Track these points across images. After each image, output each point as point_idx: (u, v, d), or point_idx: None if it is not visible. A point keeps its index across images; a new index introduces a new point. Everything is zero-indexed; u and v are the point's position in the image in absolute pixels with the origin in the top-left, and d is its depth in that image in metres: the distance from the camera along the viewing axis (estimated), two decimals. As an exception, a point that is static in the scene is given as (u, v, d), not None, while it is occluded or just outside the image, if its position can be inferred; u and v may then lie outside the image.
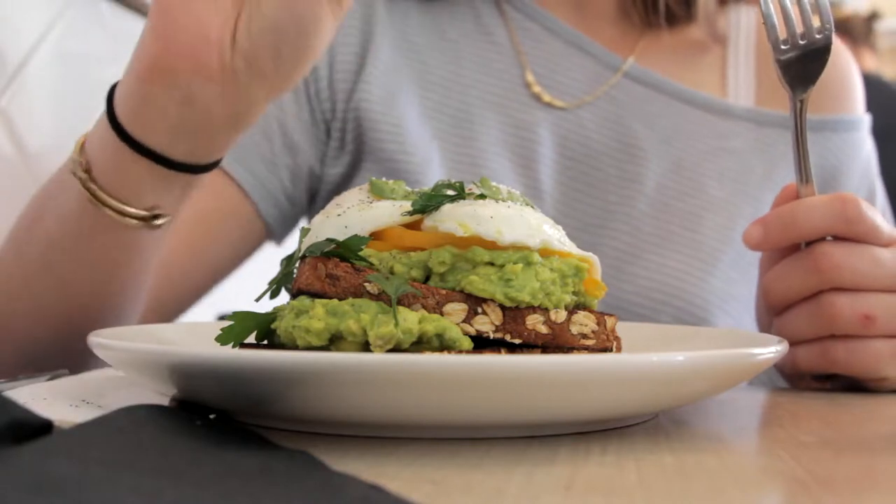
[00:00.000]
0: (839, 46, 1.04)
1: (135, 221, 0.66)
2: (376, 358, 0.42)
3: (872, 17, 3.57)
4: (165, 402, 0.50)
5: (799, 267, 0.68)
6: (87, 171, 0.66)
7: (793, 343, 0.68)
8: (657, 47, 1.01)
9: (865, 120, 1.03)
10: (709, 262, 0.91)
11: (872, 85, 3.52)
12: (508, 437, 0.47)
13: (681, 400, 0.51)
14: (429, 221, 0.54)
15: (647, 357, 0.45)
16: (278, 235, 0.98)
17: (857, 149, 1.01)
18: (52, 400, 0.53)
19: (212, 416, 0.47)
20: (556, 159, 0.94)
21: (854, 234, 0.67)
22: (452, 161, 0.93)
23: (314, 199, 0.99)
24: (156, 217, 0.67)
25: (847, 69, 1.03)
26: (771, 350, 0.51)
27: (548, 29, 1.00)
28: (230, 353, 0.44)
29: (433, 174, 0.91)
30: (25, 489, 0.30)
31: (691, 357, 0.46)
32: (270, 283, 0.58)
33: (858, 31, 3.46)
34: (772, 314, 0.72)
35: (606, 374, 0.44)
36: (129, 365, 0.51)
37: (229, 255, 0.95)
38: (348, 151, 0.95)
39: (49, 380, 0.61)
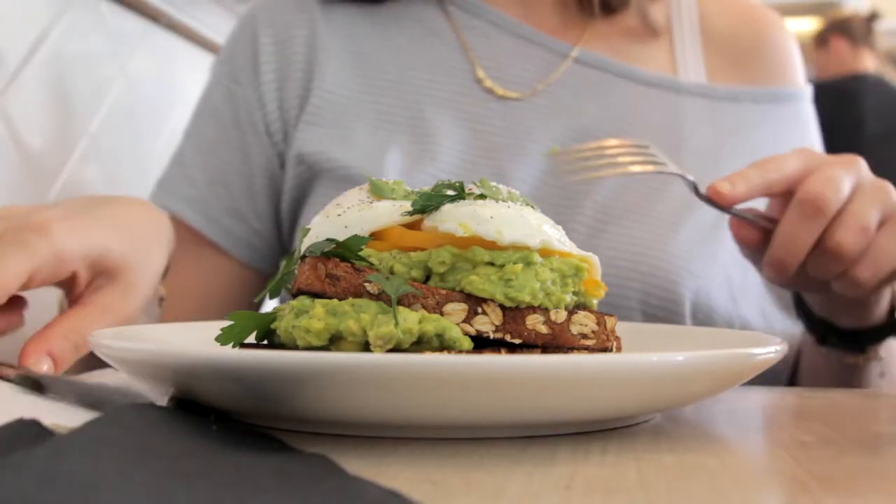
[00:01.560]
0: (774, 19, 1.06)
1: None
2: (376, 358, 0.42)
3: (872, 17, 3.58)
4: (165, 401, 0.50)
5: (798, 226, 0.71)
6: None
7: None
8: (605, 32, 1.02)
9: (806, 91, 1.05)
10: (671, 228, 0.92)
11: (874, 85, 3.52)
12: (508, 437, 0.47)
13: (681, 400, 0.51)
14: (428, 221, 0.54)
15: (647, 357, 0.45)
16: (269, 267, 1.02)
17: (797, 120, 1.03)
18: (53, 400, 0.53)
19: (212, 417, 0.47)
20: (518, 148, 0.96)
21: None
22: (411, 162, 0.93)
23: (280, 228, 1.01)
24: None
25: (783, 42, 1.05)
26: (771, 350, 0.51)
27: (493, 24, 1.01)
28: (230, 353, 0.44)
29: (389, 177, 0.91)
30: (38, 481, 0.30)
31: (691, 357, 0.46)
32: (270, 283, 0.58)
33: (858, 31, 3.48)
34: (789, 278, 0.75)
35: (606, 374, 0.44)
36: (129, 365, 0.51)
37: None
38: (300, 172, 0.96)
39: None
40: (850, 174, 0.72)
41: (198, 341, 0.60)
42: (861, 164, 0.74)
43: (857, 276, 0.72)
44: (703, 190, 0.74)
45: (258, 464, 0.37)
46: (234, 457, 0.38)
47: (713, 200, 0.73)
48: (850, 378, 0.83)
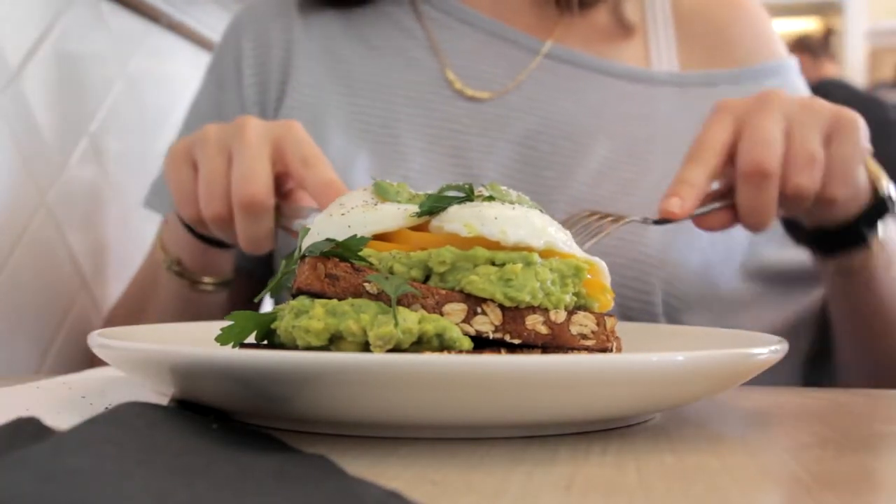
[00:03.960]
0: None
1: (214, 288, 0.92)
2: (376, 358, 0.42)
3: (828, 33, 3.90)
4: (165, 401, 0.50)
5: (754, 197, 0.73)
6: (180, 264, 0.90)
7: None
8: (577, 27, 1.02)
9: (790, 62, 1.04)
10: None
11: (838, 86, 3.62)
12: (508, 437, 0.47)
13: (681, 400, 0.51)
14: (436, 222, 0.54)
15: (647, 357, 0.45)
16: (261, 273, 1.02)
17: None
18: (53, 398, 0.53)
19: (212, 416, 0.47)
20: (488, 145, 0.96)
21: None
22: (378, 160, 0.94)
23: None
24: (229, 283, 0.93)
25: (755, 19, 1.05)
26: (771, 350, 0.51)
27: (465, 22, 1.01)
28: (230, 353, 0.44)
29: (357, 178, 0.92)
30: (38, 479, 0.30)
31: (691, 357, 0.46)
32: (270, 283, 0.58)
33: (816, 46, 3.79)
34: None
35: (606, 374, 0.44)
36: (128, 365, 0.51)
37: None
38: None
39: (49, 378, 0.61)
40: (776, 115, 0.73)
41: (198, 341, 0.60)
42: (780, 95, 0.75)
43: (832, 194, 0.75)
44: (655, 216, 0.75)
45: (258, 464, 0.37)
46: (234, 456, 0.38)
47: (670, 220, 0.74)
48: (870, 285, 0.84)
